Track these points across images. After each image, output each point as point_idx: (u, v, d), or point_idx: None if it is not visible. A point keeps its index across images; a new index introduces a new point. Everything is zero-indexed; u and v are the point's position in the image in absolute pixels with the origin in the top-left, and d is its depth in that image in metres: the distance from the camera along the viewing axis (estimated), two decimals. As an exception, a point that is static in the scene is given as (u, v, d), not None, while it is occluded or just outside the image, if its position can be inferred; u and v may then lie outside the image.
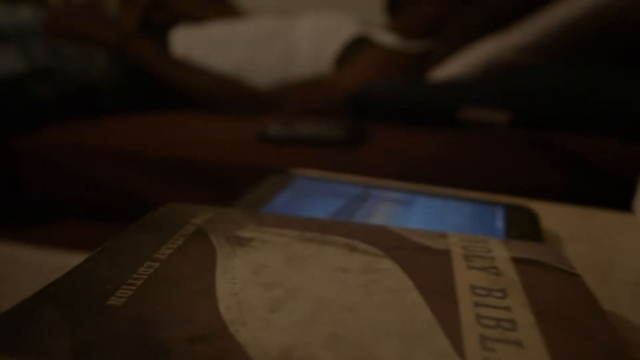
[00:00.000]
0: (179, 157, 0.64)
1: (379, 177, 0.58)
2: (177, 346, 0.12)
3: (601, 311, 0.14)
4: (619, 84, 0.63)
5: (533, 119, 0.63)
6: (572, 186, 0.55)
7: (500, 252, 0.18)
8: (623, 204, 0.53)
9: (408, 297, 0.15)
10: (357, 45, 0.91)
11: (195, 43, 0.91)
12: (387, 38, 0.90)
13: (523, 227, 0.25)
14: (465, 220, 0.26)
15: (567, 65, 0.71)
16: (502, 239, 0.20)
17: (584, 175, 0.56)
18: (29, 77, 0.73)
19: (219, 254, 0.17)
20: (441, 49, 0.87)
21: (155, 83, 0.83)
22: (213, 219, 0.20)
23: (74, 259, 0.65)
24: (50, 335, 0.13)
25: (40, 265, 0.67)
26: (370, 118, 0.69)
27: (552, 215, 0.30)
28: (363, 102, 0.69)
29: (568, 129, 0.62)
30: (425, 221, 0.26)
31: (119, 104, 0.81)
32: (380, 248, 0.18)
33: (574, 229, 0.28)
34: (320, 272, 0.16)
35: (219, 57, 0.89)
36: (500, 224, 0.26)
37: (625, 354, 0.12)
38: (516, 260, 0.17)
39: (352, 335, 0.13)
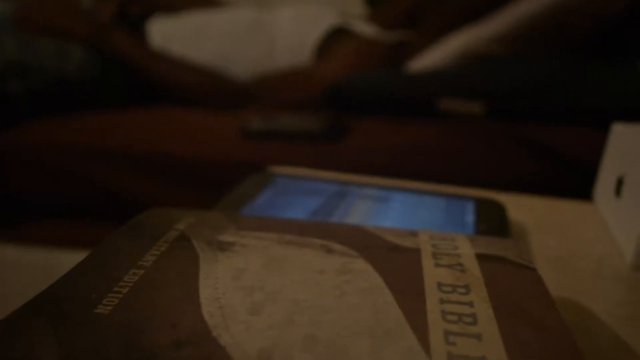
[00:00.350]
0: (160, 154, 0.64)
1: (360, 170, 0.59)
2: (163, 351, 0.13)
3: (553, 303, 0.15)
4: (587, 75, 0.65)
5: (507, 110, 0.65)
6: (545, 177, 0.57)
7: (466, 249, 0.19)
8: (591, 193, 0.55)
9: (380, 297, 0.16)
10: (337, 36, 0.91)
11: (172, 35, 0.90)
12: (366, 28, 0.91)
13: (491, 221, 0.27)
14: (438, 215, 0.27)
15: (539, 57, 0.73)
16: (469, 235, 0.21)
17: (556, 165, 0.58)
18: (1, 73, 0.71)
19: (201, 259, 0.18)
20: (419, 39, 0.88)
21: (133, 77, 0.82)
22: (195, 224, 0.21)
23: (55, 258, 0.65)
24: (38, 346, 0.13)
25: (20, 264, 0.66)
26: (350, 110, 0.70)
27: (519, 207, 0.31)
28: (342, 94, 0.70)
29: (540, 119, 0.64)
30: (401, 217, 0.27)
31: (96, 99, 0.81)
32: (354, 248, 0.19)
33: (539, 219, 0.29)
34: (298, 275, 0.17)
35: (198, 49, 0.88)
36: (470, 218, 0.27)
37: (573, 342, 0.14)
38: (480, 257, 0.19)
39: (327, 335, 0.14)
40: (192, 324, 0.14)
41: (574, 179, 0.57)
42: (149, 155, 0.64)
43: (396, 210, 0.28)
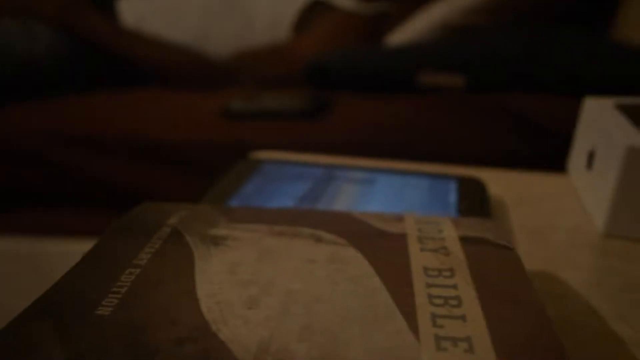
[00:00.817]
0: (140, 137, 0.63)
1: (343, 148, 0.60)
2: (165, 348, 0.14)
3: (528, 281, 0.17)
4: (563, 44, 0.66)
5: (486, 81, 0.66)
6: (525, 147, 0.58)
7: (450, 232, 0.20)
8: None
9: (370, 284, 0.17)
10: (315, 9, 0.89)
11: (145, 12, 0.87)
12: (344, 1, 0.89)
13: (473, 199, 0.28)
14: (422, 196, 0.28)
15: (516, 27, 0.73)
16: (452, 217, 0.22)
17: (536, 136, 0.60)
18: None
19: (196, 255, 0.18)
20: (397, 10, 0.88)
21: (105, 57, 0.79)
22: (187, 219, 0.21)
23: (36, 247, 0.64)
24: (43, 349, 0.14)
25: (2, 254, 0.66)
26: (331, 87, 0.70)
27: (499, 183, 0.32)
28: (322, 71, 0.69)
29: (519, 89, 0.65)
30: (386, 200, 0.28)
31: (68, 82, 0.78)
32: (343, 236, 0.20)
33: (517, 194, 0.31)
34: (291, 265, 0.18)
35: (173, 27, 0.86)
36: (452, 197, 0.28)
37: (547, 317, 0.15)
38: (463, 240, 0.20)
39: (322, 324, 0.15)
40: (191, 321, 0.15)
41: (553, 149, 0.59)
42: (129, 139, 0.63)
43: (382, 192, 0.29)
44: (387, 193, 0.29)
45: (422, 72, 0.67)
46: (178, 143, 0.62)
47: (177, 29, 0.86)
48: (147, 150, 0.63)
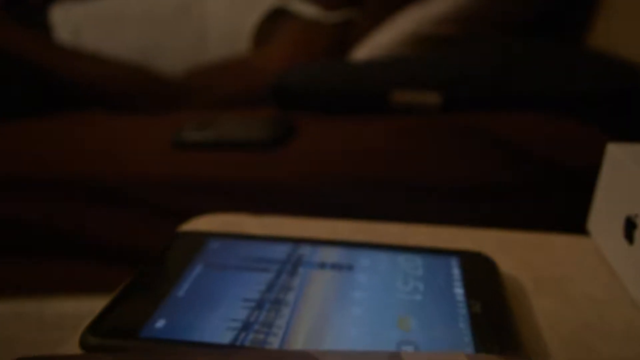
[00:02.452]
0: (76, 175, 0.54)
1: (309, 180, 0.52)
2: None
3: None
4: (542, 57, 0.61)
5: (463, 99, 0.60)
6: (510, 173, 0.53)
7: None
8: (556, 187, 0.52)
9: None
10: (276, 19, 0.82)
11: (82, 24, 0.77)
12: (306, 9, 0.82)
13: (484, 290, 0.21)
14: (418, 286, 0.21)
15: (490, 38, 0.68)
16: (468, 354, 0.15)
17: (520, 162, 0.54)
18: None
19: None
20: (363, 18, 0.81)
21: (34, 78, 0.68)
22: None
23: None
24: None
25: None
26: (294, 107, 0.63)
27: (506, 252, 0.26)
28: (285, 91, 0.62)
29: (497, 107, 0.60)
30: (371, 298, 0.21)
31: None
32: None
33: (534, 270, 0.24)
34: None
35: (115, 40, 0.76)
36: (458, 291, 0.21)
37: None
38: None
39: None
40: None
41: (538, 176, 0.54)
42: (64, 177, 0.53)
43: (364, 284, 0.22)
44: (371, 286, 0.22)
45: (394, 91, 0.61)
46: (121, 180, 0.53)
47: (120, 43, 0.76)
48: (85, 190, 0.53)
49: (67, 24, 0.77)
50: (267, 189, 0.52)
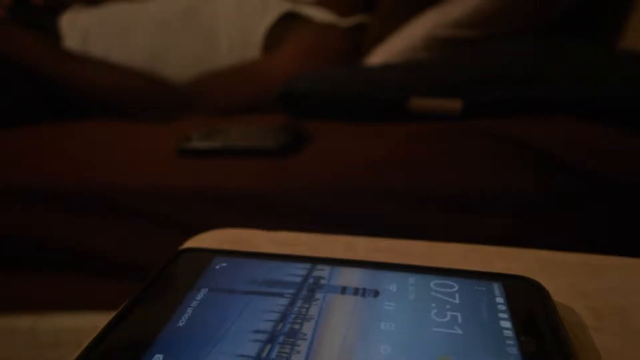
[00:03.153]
0: (81, 185, 0.51)
1: (323, 190, 0.50)
2: None
3: None
4: (568, 58, 0.58)
5: (487, 104, 0.57)
6: (536, 180, 0.49)
7: None
8: (587, 195, 0.48)
9: None
10: (287, 24, 0.79)
11: (91, 31, 0.75)
12: (318, 13, 0.80)
13: (536, 323, 0.18)
14: (456, 317, 0.18)
15: (512, 40, 0.65)
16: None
17: (544, 165, 0.51)
18: None
19: None
20: (376, 23, 0.79)
21: (41, 84, 0.67)
22: None
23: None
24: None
25: None
26: (307, 114, 0.60)
27: (552, 275, 0.23)
28: (296, 98, 0.59)
29: (523, 112, 0.56)
30: (402, 327, 0.18)
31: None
32: None
33: (590, 299, 0.21)
34: None
35: (123, 47, 0.74)
36: (505, 320, 0.18)
37: None
38: None
39: None
40: None
41: (568, 180, 0.50)
42: (62, 188, 0.51)
43: (393, 314, 0.19)
44: (402, 314, 0.19)
45: (411, 98, 0.58)
46: (124, 190, 0.50)
47: (128, 49, 0.74)
48: (89, 201, 0.51)
49: (75, 31, 0.75)
50: (277, 200, 0.49)
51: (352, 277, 0.21)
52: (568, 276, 0.23)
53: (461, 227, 0.49)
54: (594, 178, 0.46)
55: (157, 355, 0.16)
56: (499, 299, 0.19)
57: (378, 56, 0.73)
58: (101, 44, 0.74)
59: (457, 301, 0.19)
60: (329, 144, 0.55)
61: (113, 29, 0.75)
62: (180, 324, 0.18)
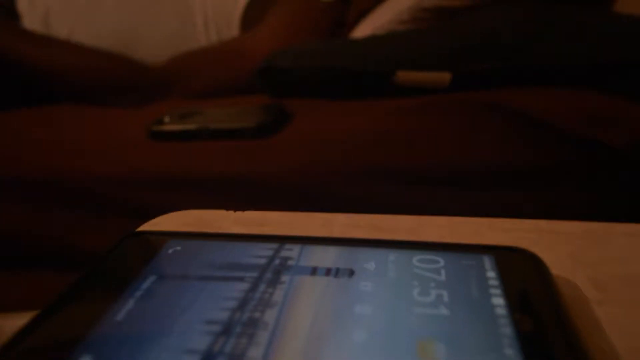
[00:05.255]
0: (48, 174, 0.48)
1: (305, 171, 0.47)
2: None
3: None
4: (562, 26, 0.55)
5: (475, 76, 0.54)
6: (536, 151, 0.47)
7: None
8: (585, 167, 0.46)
9: None
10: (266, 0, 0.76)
11: (52, 9, 0.71)
12: (299, -13, 0.76)
13: (532, 299, 0.16)
14: (442, 296, 0.16)
15: (501, 6, 0.62)
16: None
17: (543, 136, 0.48)
18: None
19: None
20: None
21: (2, 68, 0.62)
22: None
23: None
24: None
25: None
26: (288, 92, 0.57)
27: (550, 246, 0.20)
28: (276, 74, 0.56)
29: (513, 82, 0.54)
30: (380, 310, 0.15)
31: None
32: None
33: (592, 269, 0.19)
34: None
35: (89, 27, 0.70)
36: (497, 297, 0.16)
37: None
38: None
39: None
40: None
41: (569, 150, 0.47)
42: (25, 177, 0.48)
43: (369, 296, 0.16)
44: (380, 295, 0.16)
45: (397, 71, 0.55)
46: (94, 177, 0.47)
47: (94, 29, 0.69)
48: (55, 190, 0.48)
49: (35, 10, 0.71)
50: (257, 183, 0.46)
51: (324, 256, 0.19)
52: (568, 246, 0.20)
53: (459, 205, 0.46)
54: (595, 146, 0.44)
55: (84, 356, 0.14)
56: (490, 274, 0.17)
57: (363, 30, 0.69)
58: (64, 24, 0.69)
59: (442, 278, 0.17)
60: (311, 123, 0.52)
61: (77, 7, 0.70)
62: (119, 317, 0.15)
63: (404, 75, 0.55)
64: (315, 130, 0.51)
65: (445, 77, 0.54)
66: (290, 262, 0.18)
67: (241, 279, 0.17)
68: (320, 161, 0.48)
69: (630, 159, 0.41)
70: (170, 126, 0.49)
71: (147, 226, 0.23)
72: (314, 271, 0.18)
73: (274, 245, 0.19)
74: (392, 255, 0.18)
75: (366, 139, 0.50)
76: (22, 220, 0.48)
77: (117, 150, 0.49)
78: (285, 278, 0.17)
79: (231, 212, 0.24)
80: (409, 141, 0.49)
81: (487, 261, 0.18)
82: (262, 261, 0.18)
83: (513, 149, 0.47)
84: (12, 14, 0.70)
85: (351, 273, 0.17)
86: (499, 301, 0.16)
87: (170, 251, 0.19)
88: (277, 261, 0.18)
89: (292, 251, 0.19)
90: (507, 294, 0.16)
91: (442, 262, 0.18)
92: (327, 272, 0.18)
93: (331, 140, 0.50)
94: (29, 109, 0.58)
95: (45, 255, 0.46)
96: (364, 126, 0.51)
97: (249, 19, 0.74)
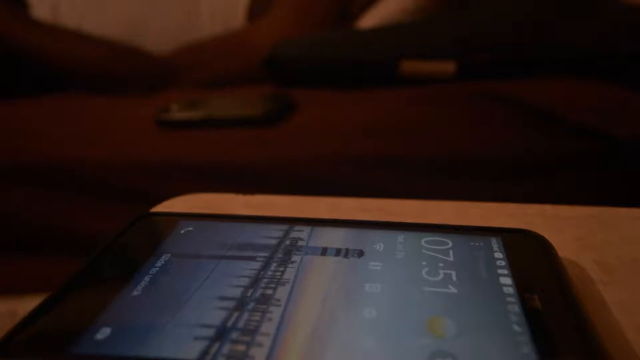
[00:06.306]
0: (56, 161, 0.48)
1: (311, 159, 0.47)
2: None
3: None
4: (567, 17, 0.55)
5: (479, 67, 0.54)
6: (539, 140, 0.47)
7: None
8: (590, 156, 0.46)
9: None
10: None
11: (63, 0, 0.71)
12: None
13: (540, 279, 0.16)
14: (450, 276, 0.16)
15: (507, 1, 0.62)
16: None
17: (546, 125, 0.48)
18: None
19: None
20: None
21: (12, 57, 0.63)
22: None
23: None
24: None
25: None
26: (293, 82, 0.57)
27: (557, 229, 0.21)
28: (282, 64, 0.56)
29: (521, 73, 0.54)
30: (389, 288, 0.16)
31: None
32: None
33: (597, 252, 0.19)
34: None
35: (98, 17, 0.70)
36: (505, 277, 0.16)
37: None
38: None
39: None
40: None
41: (571, 139, 0.47)
42: (41, 164, 0.48)
43: (379, 275, 0.17)
44: (389, 274, 0.16)
45: (402, 60, 0.55)
46: (103, 164, 0.48)
47: (102, 19, 0.70)
48: (64, 178, 0.48)
49: (44, 0, 0.71)
50: (263, 172, 0.46)
51: (334, 237, 0.19)
52: (575, 229, 0.20)
53: (463, 194, 0.47)
54: (596, 136, 0.44)
55: (104, 329, 0.14)
56: (498, 254, 0.17)
57: (369, 20, 0.69)
58: (74, 13, 0.70)
59: (451, 258, 0.17)
60: (317, 112, 0.52)
61: (86, 0, 0.71)
62: (136, 292, 0.16)
63: (409, 65, 0.55)
64: (320, 120, 0.52)
65: (450, 66, 0.54)
66: (300, 243, 0.18)
67: (253, 259, 0.18)
68: (325, 150, 0.48)
69: (632, 149, 0.41)
70: (178, 114, 0.49)
71: (158, 208, 0.23)
72: (324, 251, 0.18)
73: (284, 227, 0.19)
74: (401, 237, 0.19)
75: (371, 128, 0.50)
76: (32, 206, 0.48)
77: (125, 138, 0.49)
78: (296, 258, 0.18)
79: (240, 196, 0.24)
80: (414, 131, 0.49)
81: (495, 243, 0.18)
82: (273, 242, 0.18)
83: (516, 140, 0.47)
84: (22, 4, 0.71)
85: (361, 253, 0.18)
86: (506, 281, 0.16)
87: (182, 231, 0.19)
88: (287, 242, 0.19)
89: (302, 232, 0.19)
90: (515, 274, 0.16)
91: (450, 244, 0.18)
92: (337, 252, 0.18)
93: (336, 130, 0.50)
94: (37, 97, 0.59)
95: (56, 241, 0.46)
96: (369, 116, 0.51)
97: (254, 9, 0.74)
